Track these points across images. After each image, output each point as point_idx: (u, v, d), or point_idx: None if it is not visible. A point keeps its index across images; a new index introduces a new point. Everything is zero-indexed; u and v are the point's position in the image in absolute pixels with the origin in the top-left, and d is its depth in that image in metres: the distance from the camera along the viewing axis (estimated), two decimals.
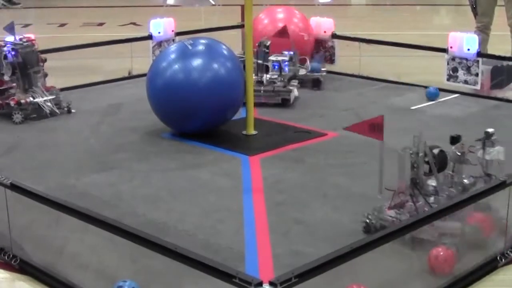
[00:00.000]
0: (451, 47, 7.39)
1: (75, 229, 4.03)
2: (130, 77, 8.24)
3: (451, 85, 7.48)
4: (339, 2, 14.80)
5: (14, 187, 3.83)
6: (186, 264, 3.01)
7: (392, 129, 6.12)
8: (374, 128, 4.04)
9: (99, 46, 8.47)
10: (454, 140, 4.28)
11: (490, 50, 7.92)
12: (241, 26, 8.64)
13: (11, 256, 3.92)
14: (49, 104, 6.72)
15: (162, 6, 8.73)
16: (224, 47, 6.16)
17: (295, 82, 7.27)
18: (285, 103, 6.95)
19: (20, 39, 6.88)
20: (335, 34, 8.28)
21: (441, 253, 3.72)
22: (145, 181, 5.17)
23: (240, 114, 6.36)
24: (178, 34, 8.34)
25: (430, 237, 3.88)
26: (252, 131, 6.13)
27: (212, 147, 5.88)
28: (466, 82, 7.36)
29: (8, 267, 3.93)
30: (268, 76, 7.07)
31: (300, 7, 8.71)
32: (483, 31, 7.92)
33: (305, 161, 5.50)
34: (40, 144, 6.03)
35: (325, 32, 8.27)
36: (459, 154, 4.24)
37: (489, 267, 3.84)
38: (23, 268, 3.89)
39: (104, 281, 3.67)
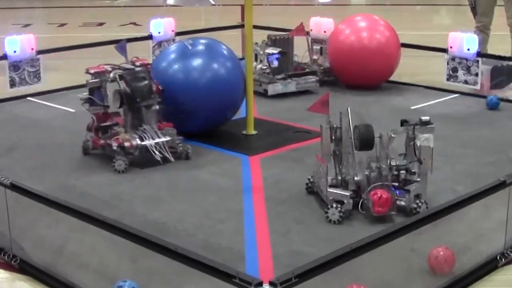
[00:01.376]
0: (451, 47, 7.39)
1: (75, 229, 4.03)
2: None
3: (451, 85, 7.48)
4: (339, 2, 14.80)
5: (14, 187, 3.83)
6: (186, 264, 3.01)
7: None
8: (324, 104, 4.60)
9: (99, 46, 8.47)
10: (403, 123, 4.53)
11: (490, 50, 7.92)
12: (241, 26, 8.64)
13: (11, 256, 3.92)
14: (161, 148, 5.38)
15: (162, 6, 8.73)
16: (224, 47, 6.16)
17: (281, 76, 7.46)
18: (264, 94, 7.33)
19: (133, 62, 5.66)
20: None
21: (441, 253, 3.72)
22: (145, 181, 5.17)
23: (240, 114, 6.36)
24: (178, 34, 8.34)
25: None
26: (252, 131, 6.14)
27: (212, 147, 5.88)
28: (466, 82, 7.36)
29: (8, 267, 3.93)
30: (258, 66, 7.36)
31: (300, 7, 8.70)
32: (483, 31, 7.91)
33: (305, 161, 5.49)
34: (40, 144, 6.02)
35: (325, 32, 8.26)
36: (393, 136, 4.46)
37: (489, 267, 3.84)
38: (23, 268, 3.89)
39: (104, 281, 3.67)
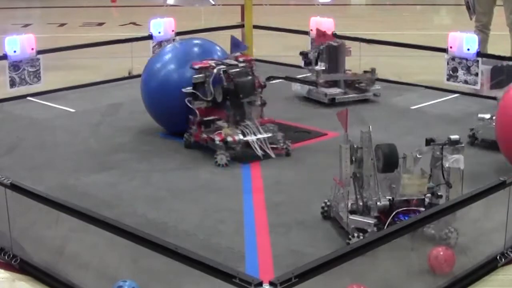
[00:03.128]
0: (451, 47, 7.39)
1: (75, 229, 4.04)
2: (130, 77, 8.24)
3: (451, 85, 7.48)
4: (339, 2, 14.80)
5: (14, 187, 3.83)
6: (186, 264, 3.01)
7: (392, 129, 6.15)
8: (341, 120, 4.17)
9: (99, 46, 8.48)
10: (429, 142, 4.15)
11: (490, 50, 7.92)
12: (241, 26, 8.64)
13: (11, 256, 3.92)
14: (262, 144, 5.45)
15: (162, 6, 8.73)
16: (218, 48, 6.13)
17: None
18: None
19: (237, 59, 5.76)
20: (335, 34, 8.27)
21: (441, 253, 3.72)
22: (145, 181, 5.17)
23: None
24: (178, 34, 8.33)
25: None
26: None
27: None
28: (466, 82, 7.36)
29: (8, 267, 3.93)
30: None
31: (300, 7, 8.70)
32: (482, 30, 7.91)
33: (305, 161, 5.49)
34: (40, 144, 6.03)
35: (325, 32, 8.25)
36: (419, 156, 4.11)
37: (489, 267, 3.84)
38: (23, 268, 3.89)
39: (104, 281, 3.67)
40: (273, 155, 5.45)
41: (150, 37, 8.17)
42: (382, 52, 8.74)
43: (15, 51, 7.17)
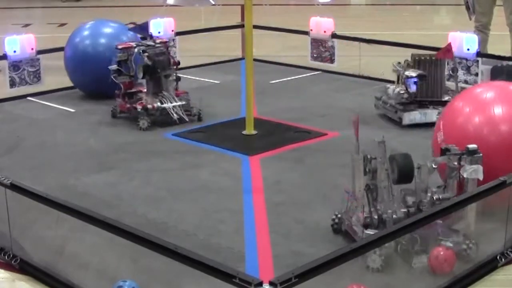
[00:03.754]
0: None
1: (75, 229, 4.04)
2: None
3: (451, 85, 7.46)
4: (339, 2, 14.80)
5: (14, 187, 3.83)
6: (186, 264, 3.01)
7: (392, 129, 6.15)
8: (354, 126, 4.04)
9: None
10: (444, 152, 4.01)
11: (490, 50, 7.91)
12: (241, 26, 8.64)
13: (11, 256, 3.92)
14: (177, 110, 6.36)
15: (162, 6, 8.72)
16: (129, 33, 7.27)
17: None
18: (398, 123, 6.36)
19: (154, 41, 6.74)
20: (335, 34, 8.28)
21: (441, 253, 3.72)
22: (145, 181, 5.17)
23: (240, 114, 6.37)
24: (178, 34, 8.33)
25: None
26: (252, 131, 6.13)
27: (212, 147, 5.88)
28: (466, 82, 7.36)
29: (8, 267, 3.93)
30: (396, 90, 6.44)
31: (300, 7, 8.70)
32: (482, 30, 7.91)
33: (305, 161, 5.50)
34: (40, 144, 6.03)
35: (325, 32, 8.27)
36: (435, 167, 3.95)
37: (489, 266, 3.83)
38: (23, 268, 3.89)
39: (104, 281, 3.67)
40: (186, 119, 6.36)
41: (150, 37, 8.15)
42: (382, 52, 8.73)
43: (15, 51, 7.17)
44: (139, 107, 6.34)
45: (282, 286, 2.74)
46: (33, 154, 5.77)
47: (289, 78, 8.24)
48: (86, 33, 7.40)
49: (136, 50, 6.50)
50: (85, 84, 7.44)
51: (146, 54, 6.44)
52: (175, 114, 6.32)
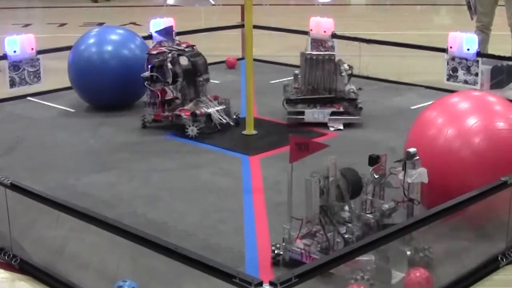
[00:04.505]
0: (450, 47, 7.38)
1: (75, 229, 4.04)
2: None
3: (451, 85, 7.47)
4: (339, 2, 14.80)
5: (14, 187, 3.83)
6: (186, 264, 3.01)
7: (392, 129, 6.14)
8: (301, 147, 3.80)
9: None
10: (372, 161, 3.84)
11: (491, 50, 7.91)
12: (241, 26, 8.63)
13: (11, 256, 3.92)
14: (221, 115, 6.18)
15: (162, 6, 8.71)
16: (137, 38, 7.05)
17: None
18: None
19: (178, 44, 6.49)
20: (335, 34, 8.27)
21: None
22: (145, 181, 5.17)
23: (240, 114, 6.37)
24: (178, 34, 8.32)
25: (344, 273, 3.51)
26: (252, 131, 6.13)
27: (212, 147, 5.88)
28: (466, 82, 7.36)
29: (8, 267, 3.93)
30: None
31: (300, 7, 8.70)
32: (483, 31, 7.90)
33: (304, 161, 5.48)
34: (40, 144, 6.03)
35: (325, 32, 8.26)
36: (376, 176, 3.82)
37: (490, 267, 3.83)
38: (23, 268, 3.89)
39: (104, 281, 3.67)
40: (231, 123, 6.19)
41: (150, 37, 8.16)
42: (382, 52, 8.73)
43: (15, 51, 7.17)
44: (184, 115, 6.06)
45: (282, 286, 2.74)
46: (33, 154, 5.76)
47: (289, 78, 8.23)
48: (91, 41, 7.00)
49: (170, 54, 6.22)
50: (88, 97, 7.08)
51: (186, 57, 6.23)
52: (216, 119, 6.13)
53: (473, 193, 3.67)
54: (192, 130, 6.01)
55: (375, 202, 3.86)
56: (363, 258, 3.46)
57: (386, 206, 3.85)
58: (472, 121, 4.13)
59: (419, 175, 3.79)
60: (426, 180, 3.82)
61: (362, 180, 3.82)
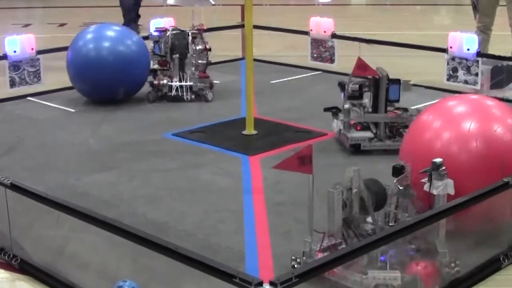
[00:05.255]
0: (451, 47, 7.38)
1: (75, 229, 4.03)
2: None
3: (451, 85, 7.47)
4: (339, 2, 14.80)
5: (14, 187, 3.82)
6: (186, 264, 3.01)
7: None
8: (304, 161, 3.67)
9: None
10: (397, 171, 3.74)
11: (491, 50, 7.91)
12: (241, 26, 8.63)
13: (11, 256, 3.92)
14: (182, 90, 7.12)
15: (162, 6, 8.71)
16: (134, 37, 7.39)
17: None
18: None
19: (193, 28, 7.42)
20: (335, 34, 8.27)
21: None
22: (145, 181, 5.17)
23: (240, 114, 6.36)
24: None
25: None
26: (252, 131, 6.13)
27: (212, 147, 5.88)
28: (466, 82, 7.36)
29: (8, 267, 3.93)
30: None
31: (300, 7, 8.70)
32: (484, 31, 7.90)
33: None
34: (40, 144, 6.02)
35: (325, 32, 8.26)
36: (401, 188, 3.73)
37: (492, 267, 3.83)
38: (23, 268, 3.89)
39: (104, 281, 3.67)
40: (185, 98, 7.13)
41: (148, 37, 8.15)
42: (382, 52, 8.73)
43: (15, 51, 7.17)
44: (155, 82, 7.16)
45: (283, 286, 2.73)
46: (33, 154, 5.76)
47: (289, 78, 8.24)
48: (89, 36, 7.25)
49: (168, 33, 7.21)
50: (86, 89, 7.31)
51: (171, 37, 7.19)
52: (173, 92, 7.12)
53: (477, 193, 3.64)
54: (151, 96, 7.18)
55: (398, 214, 3.76)
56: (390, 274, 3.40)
57: (411, 219, 3.66)
58: (468, 125, 4.05)
59: (445, 186, 3.68)
60: (452, 192, 3.69)
61: (386, 192, 3.74)
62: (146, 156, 5.69)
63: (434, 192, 3.68)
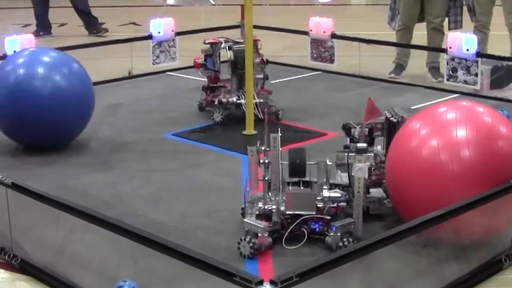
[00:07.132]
0: (450, 47, 7.38)
1: (75, 228, 4.03)
2: (130, 77, 8.25)
3: (451, 85, 7.48)
4: (339, 2, 14.80)
5: (15, 187, 3.82)
6: (187, 263, 3.01)
7: None
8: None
9: (99, 46, 8.48)
10: (347, 130, 4.23)
11: (490, 50, 7.92)
12: (241, 26, 8.63)
13: (11, 256, 3.92)
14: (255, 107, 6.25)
15: (162, 6, 8.73)
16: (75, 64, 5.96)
17: None
18: None
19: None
20: (335, 34, 8.27)
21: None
22: (145, 181, 5.17)
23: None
24: (178, 34, 8.33)
25: None
26: (252, 131, 6.13)
27: (212, 147, 5.88)
28: (465, 82, 7.36)
29: (8, 267, 3.93)
30: None
31: (300, 7, 8.70)
32: (481, 30, 7.91)
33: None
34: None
35: (324, 32, 8.26)
36: (329, 163, 4.07)
37: (493, 268, 3.82)
38: (24, 268, 3.89)
39: (105, 281, 3.67)
40: (260, 116, 6.16)
41: (150, 37, 8.17)
42: (382, 52, 8.74)
43: (15, 51, 7.17)
44: (216, 101, 6.48)
45: (283, 285, 2.74)
46: (33, 154, 5.76)
47: (289, 78, 8.25)
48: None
49: (222, 45, 6.63)
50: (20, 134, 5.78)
51: (231, 50, 6.52)
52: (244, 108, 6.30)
53: (480, 195, 3.60)
54: (217, 116, 6.40)
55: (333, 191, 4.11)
56: None
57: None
58: (457, 133, 3.86)
59: (359, 169, 3.92)
60: (366, 175, 3.96)
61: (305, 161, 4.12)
62: (146, 156, 5.69)
63: (352, 173, 4.00)
